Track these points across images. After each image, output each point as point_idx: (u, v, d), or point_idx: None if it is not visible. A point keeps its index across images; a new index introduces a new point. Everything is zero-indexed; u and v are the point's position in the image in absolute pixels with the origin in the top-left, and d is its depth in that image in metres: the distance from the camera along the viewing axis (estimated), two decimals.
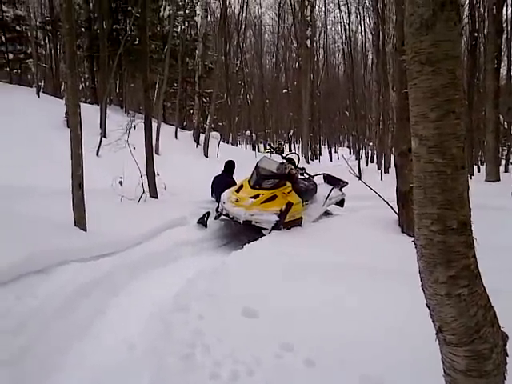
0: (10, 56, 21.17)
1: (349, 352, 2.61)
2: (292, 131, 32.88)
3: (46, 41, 29.60)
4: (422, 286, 1.62)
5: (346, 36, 29.53)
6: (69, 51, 5.20)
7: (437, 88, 1.50)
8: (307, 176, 7.72)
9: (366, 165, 26.92)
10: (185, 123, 26.25)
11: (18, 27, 20.51)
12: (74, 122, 5.08)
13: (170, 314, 3.18)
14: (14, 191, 6.20)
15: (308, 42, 24.42)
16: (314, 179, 7.90)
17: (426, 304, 1.61)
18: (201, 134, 19.26)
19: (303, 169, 7.46)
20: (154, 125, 11.37)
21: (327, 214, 8.09)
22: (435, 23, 1.48)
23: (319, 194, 7.74)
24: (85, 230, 5.13)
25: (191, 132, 19.77)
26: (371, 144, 31.86)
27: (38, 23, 26.62)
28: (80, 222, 5.14)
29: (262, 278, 3.99)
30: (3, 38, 20.19)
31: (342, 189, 8.33)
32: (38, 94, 16.93)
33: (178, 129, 18.98)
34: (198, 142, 18.69)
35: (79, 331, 3.09)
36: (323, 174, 8.45)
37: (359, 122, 24.77)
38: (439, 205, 1.51)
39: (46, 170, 8.62)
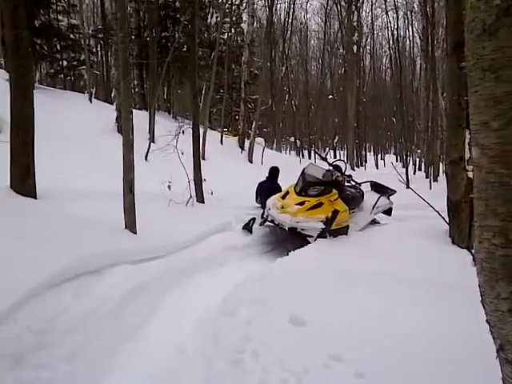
0: (65, 63, 22.12)
1: (398, 365, 2.56)
2: (337, 137, 32.61)
3: (98, 48, 30.73)
4: (481, 301, 1.56)
5: (393, 41, 29.09)
6: (122, 59, 5.38)
7: (500, 96, 1.44)
8: (354, 183, 7.61)
9: (414, 173, 26.27)
10: (230, 129, 26.54)
11: (72, 35, 21.39)
12: (126, 127, 5.24)
13: (217, 319, 3.22)
14: (69, 194, 6.45)
15: (354, 47, 24.19)
16: (361, 187, 7.78)
17: (486, 320, 1.55)
18: (245, 140, 19.44)
19: (350, 176, 7.37)
20: (201, 130, 11.57)
21: (374, 222, 7.95)
22: (498, 29, 1.43)
23: (366, 202, 7.62)
24: (135, 232, 5.27)
25: (236, 138, 19.98)
26: (419, 151, 31.06)
27: (90, 31, 27.63)
28: (130, 224, 5.28)
29: (308, 286, 3.97)
30: (58, 46, 21.11)
31: (390, 197, 8.16)
32: (91, 100, 17.58)
33: (223, 134, 19.23)
34: (242, 148, 18.87)
35: (130, 332, 3.17)
36: (370, 181, 8.32)
37: (407, 128, 24.20)
38: (502, 217, 1.45)
39: (98, 174, 8.92)
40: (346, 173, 7.47)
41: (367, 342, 2.80)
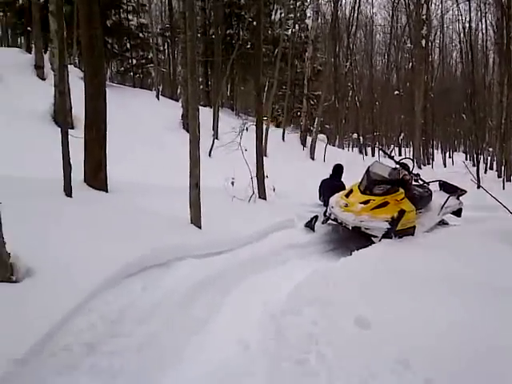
0: (134, 61, 22.97)
1: (469, 373, 2.44)
2: (403, 134, 31.62)
3: (165, 46, 31.63)
4: None
5: (464, 34, 27.78)
6: (190, 57, 5.48)
7: None
8: (421, 182, 7.34)
9: (485, 172, 24.97)
10: (292, 125, 26.47)
11: (140, 34, 22.16)
12: (193, 124, 5.34)
13: (282, 317, 3.21)
14: (137, 188, 6.70)
15: (423, 41, 23.31)
16: (429, 186, 7.49)
17: None
18: (307, 137, 19.31)
19: (418, 175, 7.10)
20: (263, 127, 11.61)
21: (442, 223, 7.63)
22: None
23: (434, 202, 7.32)
24: (199, 227, 5.38)
25: (298, 134, 19.89)
26: (491, 150, 29.47)
27: (158, 30, 28.47)
28: (195, 219, 5.39)
29: (373, 288, 3.88)
30: (128, 45, 21.95)
31: (460, 197, 7.80)
32: (158, 97, 18.12)
33: (286, 131, 19.20)
34: (304, 145, 18.75)
35: (196, 325, 3.24)
36: (439, 180, 7.99)
37: (478, 125, 23.00)
38: None
39: (163, 169, 9.19)
40: (413, 171, 7.22)
41: (436, 347, 2.69)
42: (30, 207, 3.95)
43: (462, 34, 29.96)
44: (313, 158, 17.52)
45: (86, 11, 6.13)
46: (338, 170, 8.23)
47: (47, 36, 12.48)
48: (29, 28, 17.36)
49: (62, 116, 5.92)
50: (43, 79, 13.09)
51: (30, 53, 15.46)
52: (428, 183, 7.47)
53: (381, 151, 9.43)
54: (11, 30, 24.13)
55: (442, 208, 7.23)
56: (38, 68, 13.38)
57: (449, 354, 2.62)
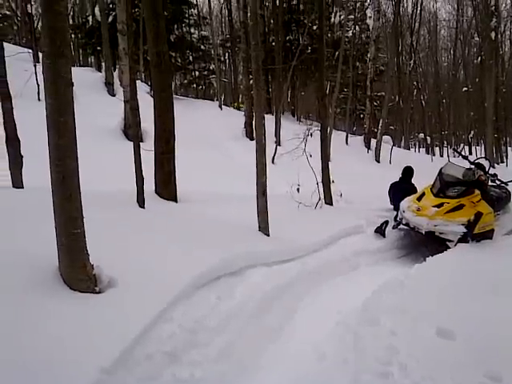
0: (196, 73, 23.61)
1: None
2: (472, 132, 30.16)
3: (226, 57, 32.24)
4: None
5: None
6: (254, 66, 5.54)
7: None
8: (499, 183, 6.94)
9: None
10: (354, 128, 26.04)
11: (202, 46, 22.75)
12: (259, 132, 5.37)
13: (358, 326, 3.13)
14: (205, 197, 6.84)
15: (492, 34, 22.12)
16: (507, 186, 7.06)
17: None
18: (371, 139, 18.91)
19: (495, 175, 6.72)
20: None
21: None
22: None
23: None
24: (268, 234, 5.39)
25: (361, 137, 19.53)
26: None
27: (219, 41, 29.08)
28: (263, 227, 5.41)
29: (453, 295, 3.70)
30: (191, 58, 22.59)
31: None
32: (220, 107, 18.50)
33: (349, 134, 18.91)
34: (369, 147, 18.37)
35: (271, 334, 3.24)
36: None
37: None
38: None
39: (228, 178, 9.34)
40: (490, 171, 6.84)
41: None
42: (106, 219, 4.13)
43: None
44: (378, 161, 17.11)
45: (153, 29, 6.37)
46: (407, 172, 7.96)
47: (116, 54, 13.13)
48: (98, 47, 18.33)
49: (134, 130, 6.17)
50: (113, 95, 13.78)
51: (100, 71, 16.33)
52: (506, 183, 7.05)
53: (454, 152, 9.04)
54: (82, 50, 25.60)
55: None
56: (108, 85, 14.11)
57: None
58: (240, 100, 23.98)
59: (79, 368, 2.11)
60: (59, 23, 2.61)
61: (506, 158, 31.92)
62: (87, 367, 2.14)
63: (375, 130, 20.27)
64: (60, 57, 2.61)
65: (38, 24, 20.53)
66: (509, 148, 36.66)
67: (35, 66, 10.90)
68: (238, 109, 19.88)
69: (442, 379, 2.31)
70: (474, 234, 5.85)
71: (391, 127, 29.47)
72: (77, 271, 2.79)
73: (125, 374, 2.25)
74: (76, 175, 2.73)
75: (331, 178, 8.34)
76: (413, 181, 7.94)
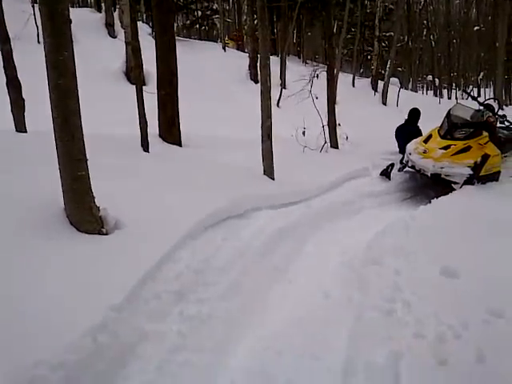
0: (199, 13, 22.82)
1: None
2: (482, 74, 29.36)
3: None
4: None
5: None
6: (259, 3, 5.30)
7: None
8: (508, 124, 6.82)
9: None
10: (361, 70, 25.41)
11: None
12: (264, 73, 5.23)
13: (362, 266, 3.18)
14: (209, 141, 6.79)
15: None
16: None
17: None
18: (379, 81, 18.47)
19: (504, 116, 6.59)
20: None
21: None
22: None
23: None
24: (273, 178, 5.39)
25: (369, 79, 19.08)
26: None
27: None
28: (268, 170, 5.40)
29: (457, 236, 3.73)
30: None
31: None
32: (224, 49, 18.00)
33: (355, 77, 18.48)
34: (375, 90, 17.99)
35: (277, 274, 3.29)
36: None
37: None
38: None
39: (233, 121, 9.22)
40: (499, 112, 6.70)
41: None
42: (112, 163, 4.12)
43: None
44: (385, 104, 16.80)
45: None
46: (413, 114, 7.81)
47: None
48: None
49: (136, 73, 6.03)
50: (114, 37, 13.40)
51: (100, 12, 15.80)
52: None
53: (463, 93, 8.83)
54: None
55: None
56: (109, 26, 13.69)
57: None
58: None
59: (88, 305, 2.16)
60: None
61: None
62: (96, 304, 2.19)
63: (382, 71, 19.76)
64: None
65: None
66: None
67: (33, 6, 10.51)
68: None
69: (445, 316, 2.35)
70: (480, 175, 5.83)
71: (399, 69, 28.66)
72: (83, 213, 2.81)
73: (133, 311, 2.30)
74: (78, 116, 2.69)
75: (337, 120, 8.23)
76: (420, 123, 7.81)
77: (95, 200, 2.86)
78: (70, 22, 2.63)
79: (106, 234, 2.89)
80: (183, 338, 2.35)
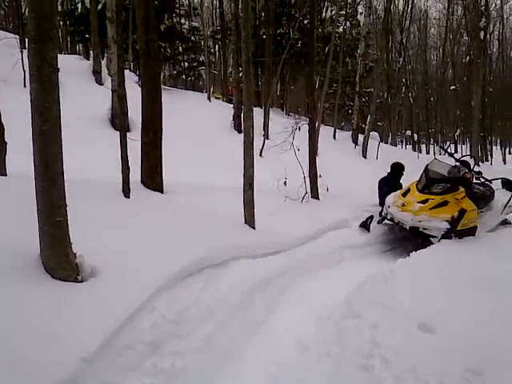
0: (186, 64, 23.41)
1: None
2: (459, 130, 30.44)
3: (216, 49, 32.04)
4: None
5: None
6: (244, 58, 5.50)
7: None
8: (483, 180, 7.02)
9: None
10: (342, 124, 26.11)
11: (192, 37, 22.54)
12: (247, 125, 5.34)
13: (341, 320, 3.15)
14: (191, 188, 6.80)
15: (481, 33, 22.27)
16: (491, 184, 7.15)
17: None
18: (359, 135, 18.96)
19: (479, 173, 6.80)
20: None
21: (506, 223, 7.27)
22: None
23: (497, 200, 6.98)
24: (254, 227, 5.39)
25: (350, 133, 19.58)
26: None
27: (209, 33, 28.85)
28: (250, 219, 5.40)
29: (435, 290, 3.74)
30: (180, 49, 22.38)
31: None
32: (209, 99, 18.38)
33: (337, 130, 18.95)
34: (356, 143, 18.42)
35: (255, 326, 3.24)
36: (502, 178, 7.60)
37: None
38: None
39: (216, 170, 9.28)
40: (475, 169, 6.91)
41: (507, 352, 2.55)
42: (91, 209, 4.08)
43: None
44: (365, 157, 17.16)
45: (142, 17, 6.28)
46: (396, 168, 7.94)
47: (104, 42, 12.96)
48: (87, 35, 18.08)
49: (121, 119, 6.10)
50: (101, 84, 13.59)
51: (88, 59, 16.11)
52: (490, 181, 7.14)
53: (440, 149, 9.12)
54: (70, 38, 25.22)
55: (505, 207, 6.91)
56: (96, 73, 13.92)
57: None
58: (223, 92, 23.80)
59: (59, 357, 2.09)
60: (46, 6, 2.57)
61: (491, 156, 32.33)
62: (67, 357, 2.11)
63: (363, 125, 20.34)
64: (46, 41, 2.57)
65: (25, 9, 20.15)
66: (494, 147, 37.14)
67: (22, 51, 10.68)
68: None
69: (423, 372, 2.33)
70: (457, 230, 5.93)
71: (379, 123, 29.57)
72: (59, 259, 2.76)
73: (105, 364, 2.23)
74: (60, 162, 2.69)
75: (318, 172, 8.36)
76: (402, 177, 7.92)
77: (72, 246, 2.82)
78: (58, 70, 2.68)
79: (82, 282, 2.82)
80: None
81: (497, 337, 2.79)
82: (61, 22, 22.55)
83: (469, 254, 5.30)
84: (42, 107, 2.58)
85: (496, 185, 7.38)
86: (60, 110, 2.67)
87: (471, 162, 6.93)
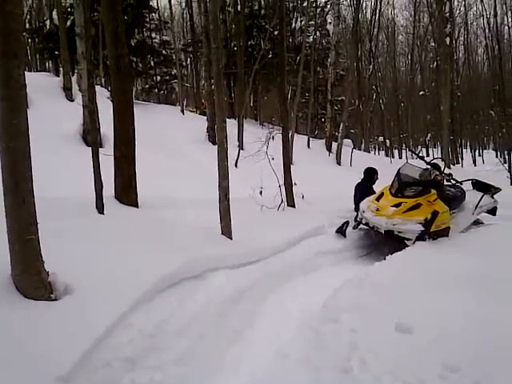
0: (158, 78, 23.35)
1: None
2: (429, 135, 31.10)
3: (188, 62, 32.08)
4: None
5: (489, 30, 27.27)
6: (215, 70, 5.54)
7: None
8: (454, 182, 7.18)
9: None
10: (316, 132, 26.38)
11: (164, 51, 22.53)
12: (221, 136, 5.37)
13: (320, 325, 3.17)
14: (166, 202, 6.76)
15: (447, 39, 22.86)
16: (462, 185, 7.32)
17: None
18: (333, 142, 19.20)
19: (450, 175, 6.96)
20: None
21: (477, 223, 7.43)
22: None
23: (468, 201, 7.14)
24: (231, 238, 5.39)
25: (323, 141, 19.81)
26: None
27: (180, 46, 28.87)
28: (226, 230, 5.40)
29: (411, 291, 3.80)
30: (152, 63, 22.33)
31: (494, 196, 7.59)
32: (183, 112, 18.37)
33: (310, 138, 19.15)
34: (330, 151, 18.65)
35: (234, 336, 3.23)
36: (472, 179, 7.79)
37: (508, 120, 22.40)
38: None
39: (191, 182, 9.26)
40: (445, 171, 7.07)
41: (485, 350, 2.61)
42: (64, 226, 4.03)
43: (487, 30, 29.42)
44: (339, 164, 17.38)
45: (111, 32, 6.26)
46: (368, 173, 8.03)
47: (74, 58, 12.85)
48: (56, 52, 17.89)
49: (93, 135, 6.05)
50: (72, 100, 13.45)
51: (58, 76, 15.93)
52: (461, 182, 7.32)
53: (411, 153, 9.29)
54: (39, 55, 24.91)
55: (476, 207, 7.05)
56: (67, 90, 13.76)
57: (503, 358, 2.53)
58: (197, 105, 23.93)
59: (34, 378, 2.05)
60: (12, 23, 2.55)
61: (462, 158, 33.12)
62: (43, 377, 2.07)
63: (336, 133, 20.61)
64: (12, 58, 2.55)
65: None
66: (464, 149, 38.07)
67: None
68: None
69: (402, 372, 2.36)
70: (431, 231, 6.04)
71: (351, 131, 30.01)
72: (31, 278, 2.71)
73: (82, 382, 2.19)
74: (29, 180, 2.66)
75: (293, 180, 8.42)
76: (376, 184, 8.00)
77: (44, 264, 2.77)
78: (25, 86, 2.66)
79: (55, 300, 2.77)
80: None
81: (472, 333, 2.85)
82: (29, 40, 22.28)
83: (443, 254, 5.40)
84: (10, 125, 2.55)
85: (467, 186, 7.57)
86: (28, 126, 2.64)
87: (442, 164, 7.07)
